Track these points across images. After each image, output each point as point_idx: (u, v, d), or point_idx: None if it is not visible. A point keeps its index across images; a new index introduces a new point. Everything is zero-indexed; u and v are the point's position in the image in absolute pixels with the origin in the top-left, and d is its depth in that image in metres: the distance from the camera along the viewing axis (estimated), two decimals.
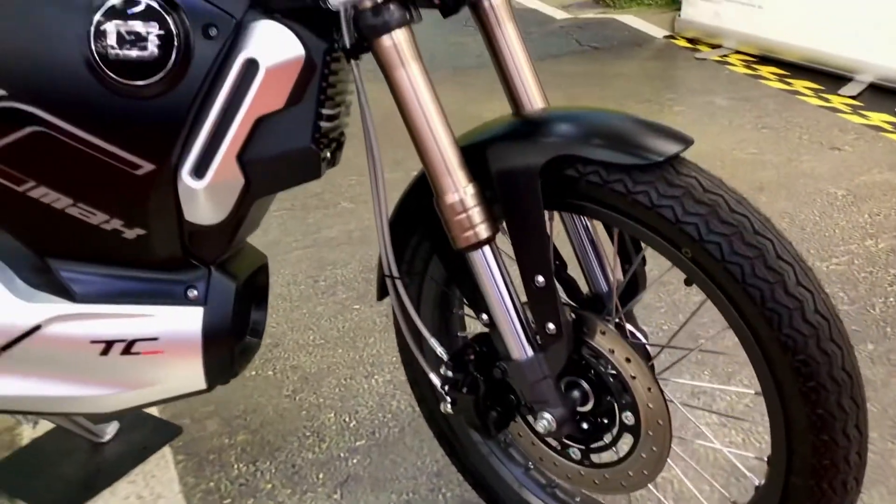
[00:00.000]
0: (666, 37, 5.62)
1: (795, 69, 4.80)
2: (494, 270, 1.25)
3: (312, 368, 2.24)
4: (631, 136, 1.17)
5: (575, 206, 1.22)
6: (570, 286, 1.42)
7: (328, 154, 1.29)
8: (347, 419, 2.04)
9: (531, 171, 1.17)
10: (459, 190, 1.21)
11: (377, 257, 1.37)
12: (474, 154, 1.23)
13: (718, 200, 1.12)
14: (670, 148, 1.14)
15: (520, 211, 1.20)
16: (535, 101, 1.34)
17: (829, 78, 4.62)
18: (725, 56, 5.15)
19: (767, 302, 1.10)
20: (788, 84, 4.61)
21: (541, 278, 1.23)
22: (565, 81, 4.74)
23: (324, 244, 2.93)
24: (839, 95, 4.37)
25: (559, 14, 6.14)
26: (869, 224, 2.98)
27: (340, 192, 3.32)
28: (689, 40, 5.47)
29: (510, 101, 1.36)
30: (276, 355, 2.30)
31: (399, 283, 1.32)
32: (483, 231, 1.22)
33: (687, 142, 1.16)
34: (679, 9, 5.63)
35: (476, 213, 1.22)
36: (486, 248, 1.24)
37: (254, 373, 2.22)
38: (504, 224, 1.25)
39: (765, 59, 5.00)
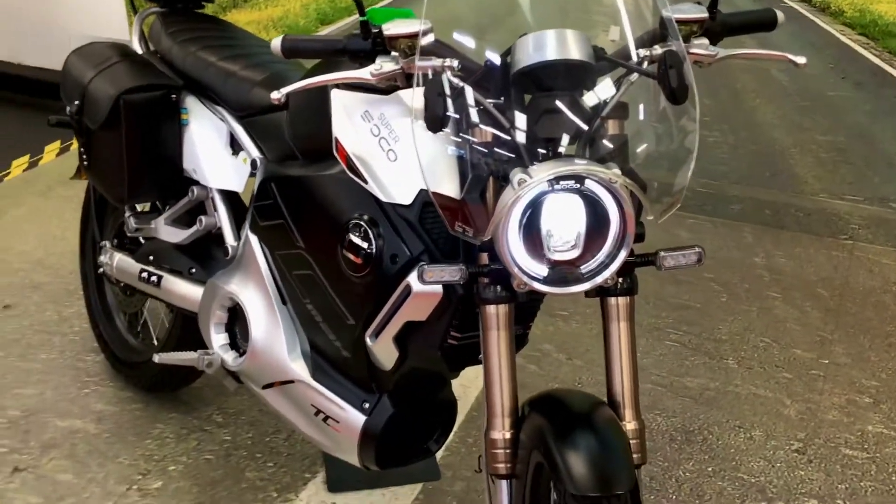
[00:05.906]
0: None
1: None
2: (504, 502, 1.65)
3: None
4: (598, 471, 1.47)
5: None
6: None
7: (458, 363, 1.89)
8: None
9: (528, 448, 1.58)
10: (502, 431, 1.64)
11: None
12: (533, 408, 1.61)
13: None
14: (617, 488, 1.45)
15: (524, 464, 1.60)
16: (625, 392, 1.66)
17: None
18: None
19: None
20: None
21: None
22: None
23: (676, 390, 3.24)
24: None
25: None
26: None
27: (737, 349, 3.55)
28: None
29: (607, 383, 1.70)
30: None
31: None
32: (503, 469, 1.64)
33: (630, 482, 1.46)
34: None
35: (505, 455, 1.63)
36: (503, 483, 1.65)
37: None
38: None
39: None
